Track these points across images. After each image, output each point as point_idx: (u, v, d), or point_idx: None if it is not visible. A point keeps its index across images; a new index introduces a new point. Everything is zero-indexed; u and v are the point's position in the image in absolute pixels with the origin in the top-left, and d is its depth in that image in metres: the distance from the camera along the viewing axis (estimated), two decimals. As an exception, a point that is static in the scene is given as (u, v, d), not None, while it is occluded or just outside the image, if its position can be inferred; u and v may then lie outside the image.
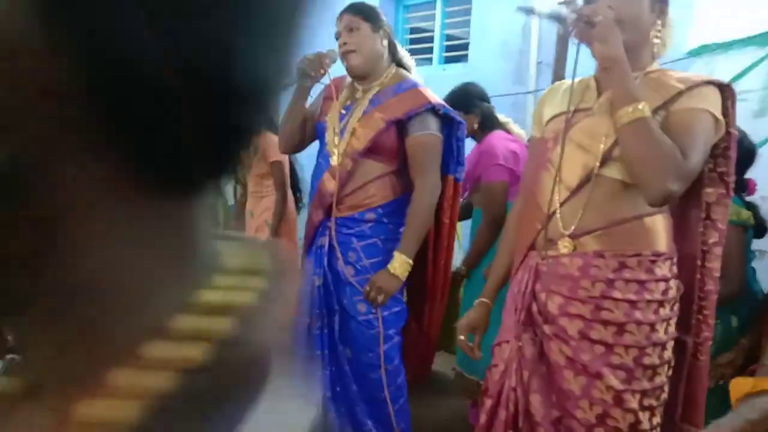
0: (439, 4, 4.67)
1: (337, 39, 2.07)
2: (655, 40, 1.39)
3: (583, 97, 1.44)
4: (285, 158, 3.50)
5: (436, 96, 2.09)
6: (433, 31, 4.75)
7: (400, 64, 2.14)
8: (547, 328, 1.38)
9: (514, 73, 4.26)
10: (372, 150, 2.01)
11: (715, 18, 3.20)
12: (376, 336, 2.03)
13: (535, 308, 1.41)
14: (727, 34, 3.16)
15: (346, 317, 2.04)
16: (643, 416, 1.31)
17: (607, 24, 1.27)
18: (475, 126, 2.60)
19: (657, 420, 1.35)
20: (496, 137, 2.56)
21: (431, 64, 4.84)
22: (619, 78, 1.28)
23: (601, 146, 1.34)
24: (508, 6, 4.27)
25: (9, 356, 1.20)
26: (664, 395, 1.36)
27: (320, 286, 2.06)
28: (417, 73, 2.17)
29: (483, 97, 2.69)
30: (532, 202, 1.47)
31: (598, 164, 1.34)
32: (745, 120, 3.09)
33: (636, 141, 1.26)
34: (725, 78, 3.14)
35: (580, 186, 1.37)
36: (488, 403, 1.47)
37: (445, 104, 2.08)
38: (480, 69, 3.89)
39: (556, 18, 1.37)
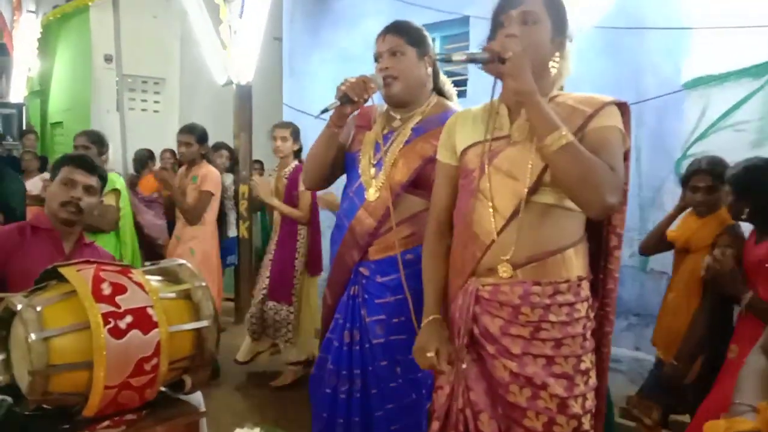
0: (438, 42, 4.75)
1: (376, 60, 1.88)
2: (552, 70, 1.48)
3: (495, 123, 1.50)
4: (218, 192, 3.75)
5: None
6: (432, 67, 4.81)
7: (440, 93, 1.97)
8: (490, 348, 1.45)
9: (512, 106, 4.29)
10: (415, 183, 1.83)
11: (710, 50, 3.24)
12: (416, 404, 1.82)
13: (476, 331, 1.48)
14: (721, 67, 3.20)
15: (377, 380, 1.83)
16: (585, 419, 1.41)
17: (517, 59, 1.34)
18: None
19: (592, 420, 1.44)
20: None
21: (431, 99, 4.90)
22: (535, 109, 1.35)
23: (528, 173, 1.40)
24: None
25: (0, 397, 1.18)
26: (593, 392, 1.46)
27: (350, 342, 1.87)
28: (457, 103, 2.00)
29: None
30: (468, 231, 1.51)
31: (526, 191, 1.41)
32: (743, 150, 3.12)
33: (569, 165, 1.32)
34: (721, 109, 3.19)
35: (515, 213, 1.43)
36: (436, 425, 1.53)
37: None
38: (479, 104, 3.93)
39: (473, 60, 1.41)
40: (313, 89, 5.54)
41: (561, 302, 1.42)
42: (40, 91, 9.29)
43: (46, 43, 8.71)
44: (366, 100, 1.84)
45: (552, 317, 1.41)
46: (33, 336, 1.33)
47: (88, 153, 3.43)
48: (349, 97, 1.80)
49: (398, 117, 1.90)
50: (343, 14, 5.56)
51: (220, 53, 5.08)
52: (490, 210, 1.45)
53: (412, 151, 1.82)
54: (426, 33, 1.92)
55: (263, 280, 3.79)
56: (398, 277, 1.82)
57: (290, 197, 3.68)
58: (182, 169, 3.96)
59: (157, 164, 5.55)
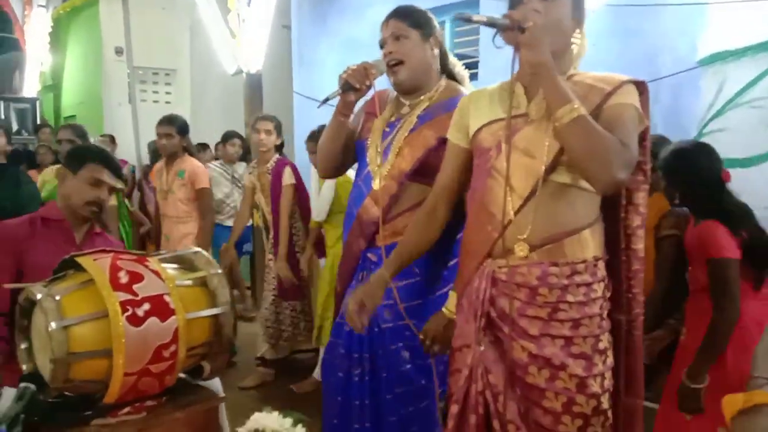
0: (447, 25, 4.71)
1: (381, 48, 1.86)
2: (574, 47, 1.47)
3: (512, 102, 1.48)
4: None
5: None
6: (442, 51, 4.78)
7: (450, 76, 1.93)
8: (508, 330, 1.45)
9: (524, 89, 4.25)
10: (419, 172, 1.80)
11: (726, 26, 3.18)
12: (426, 390, 1.81)
13: (493, 313, 1.48)
14: (738, 42, 3.14)
15: (388, 365, 1.83)
16: (603, 398, 1.41)
17: (536, 29, 1.33)
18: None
19: (610, 400, 1.44)
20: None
21: (442, 83, 4.86)
22: (549, 81, 1.34)
23: (546, 152, 1.40)
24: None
25: (22, 384, 1.21)
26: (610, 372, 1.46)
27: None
28: (469, 85, 1.96)
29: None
30: (484, 211, 1.49)
31: (544, 170, 1.40)
32: (760, 126, 3.07)
33: (579, 138, 1.32)
34: (738, 86, 3.13)
35: (532, 193, 1.42)
36: (455, 408, 1.52)
37: None
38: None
39: (492, 24, 1.39)
40: (322, 77, 5.52)
41: (578, 282, 1.41)
42: (53, 86, 9.37)
43: (57, 38, 8.76)
44: (369, 87, 1.83)
45: (570, 297, 1.41)
46: (53, 324, 1.35)
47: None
48: (351, 85, 1.80)
49: (407, 103, 1.88)
50: (350, 1, 5.52)
51: (230, 43, 5.08)
52: (507, 189, 1.44)
53: (417, 140, 1.81)
54: (430, 15, 1.89)
55: (270, 281, 3.74)
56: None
57: (276, 192, 3.64)
58: (160, 163, 3.79)
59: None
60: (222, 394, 1.73)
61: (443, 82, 1.89)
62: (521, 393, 1.43)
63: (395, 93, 1.93)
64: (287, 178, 3.65)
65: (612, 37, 3.39)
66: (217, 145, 5.73)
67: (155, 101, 8.15)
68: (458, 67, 1.96)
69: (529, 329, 1.42)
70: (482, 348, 1.48)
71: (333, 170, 2.05)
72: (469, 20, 1.37)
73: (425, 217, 1.67)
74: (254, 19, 4.82)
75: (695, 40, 3.30)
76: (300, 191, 3.72)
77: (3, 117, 8.42)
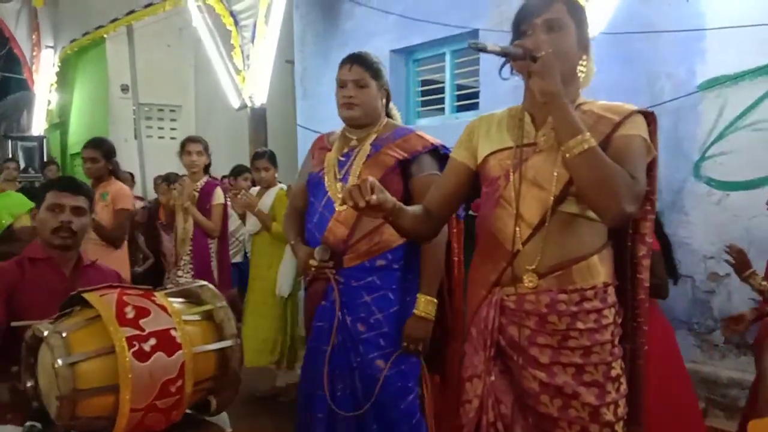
0: (448, 57, 4.78)
1: (338, 83, 2.11)
2: (580, 73, 1.47)
3: (520, 131, 1.49)
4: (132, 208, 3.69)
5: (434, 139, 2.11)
6: (443, 82, 4.85)
7: (389, 115, 2.21)
8: (518, 358, 1.43)
9: (526, 117, 4.29)
10: None
11: (724, 51, 3.22)
12: (400, 391, 1.98)
13: (503, 341, 1.46)
14: (736, 67, 3.17)
15: (365, 376, 1.99)
16: (618, 426, 1.39)
17: (549, 58, 1.33)
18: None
19: (624, 429, 1.42)
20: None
21: (444, 113, 4.92)
22: (561, 111, 1.34)
23: (554, 182, 1.39)
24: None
25: (28, 423, 1.21)
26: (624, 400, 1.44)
27: (336, 345, 2.01)
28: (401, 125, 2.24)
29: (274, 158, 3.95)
30: (492, 240, 1.49)
31: (552, 200, 1.40)
32: (762, 149, 3.08)
33: (589, 170, 1.32)
34: (738, 110, 3.16)
35: (542, 223, 1.41)
36: None
37: (446, 146, 2.04)
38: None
39: (505, 54, 1.41)
40: (325, 109, 5.58)
41: (588, 309, 1.40)
42: (60, 123, 9.49)
43: (65, 77, 8.91)
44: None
45: (580, 325, 1.39)
46: (59, 361, 1.34)
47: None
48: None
49: (354, 138, 2.11)
50: (352, 34, 5.61)
51: (234, 78, 5.15)
52: (515, 219, 1.43)
53: (375, 163, 2.03)
54: (383, 66, 2.15)
55: None
56: (372, 279, 2.00)
57: (203, 212, 3.80)
58: None
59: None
60: (229, 430, 1.71)
61: (384, 119, 2.15)
62: (534, 422, 1.41)
63: (339, 131, 2.17)
64: (218, 197, 3.86)
65: (612, 63, 3.43)
66: (224, 178, 5.78)
67: (161, 137, 8.24)
68: (394, 110, 2.26)
69: (540, 357, 1.41)
70: (493, 378, 1.46)
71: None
72: (483, 50, 1.38)
73: (424, 213, 1.59)
74: (258, 54, 4.91)
75: (694, 65, 3.34)
76: (225, 211, 3.94)
77: (11, 155, 8.53)
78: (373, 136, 2.10)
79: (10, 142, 9.07)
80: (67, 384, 1.34)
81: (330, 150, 2.15)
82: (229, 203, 4.22)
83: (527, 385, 1.42)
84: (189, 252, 3.83)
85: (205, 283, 1.70)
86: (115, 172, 3.70)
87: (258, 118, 5.10)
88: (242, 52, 5.03)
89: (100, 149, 3.60)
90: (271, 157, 3.96)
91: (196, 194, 3.81)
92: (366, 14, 5.21)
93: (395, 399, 1.97)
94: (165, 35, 7.97)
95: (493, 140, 1.54)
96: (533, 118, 1.49)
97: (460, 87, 4.88)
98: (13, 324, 1.56)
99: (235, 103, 5.23)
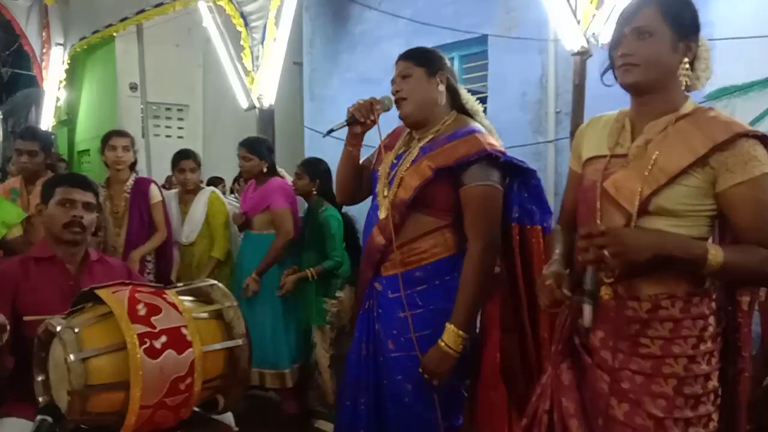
0: (456, 62, 4.79)
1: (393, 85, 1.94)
2: (682, 78, 1.37)
3: (618, 138, 1.44)
4: None
5: (497, 140, 1.88)
6: (451, 86, 4.85)
7: (463, 110, 1.95)
8: (589, 359, 1.43)
9: (533, 123, 4.31)
10: (421, 202, 1.81)
11: (733, 61, 3.22)
12: (427, 423, 1.79)
13: (577, 340, 1.46)
14: (745, 77, 3.18)
15: (392, 395, 1.83)
16: None
17: (614, 243, 1.25)
18: (264, 170, 3.43)
19: None
20: (280, 180, 3.49)
21: (451, 117, 4.92)
22: (671, 250, 1.27)
23: (636, 201, 1.33)
24: (524, 59, 4.38)
25: (39, 417, 1.23)
26: (714, 424, 1.36)
27: (366, 355, 1.90)
28: (483, 118, 1.98)
29: (272, 149, 3.61)
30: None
31: (635, 216, 1.34)
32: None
33: (735, 277, 1.32)
34: (746, 120, 3.15)
35: None
36: (524, 421, 1.55)
37: (506, 152, 1.83)
38: (500, 120, 3.94)
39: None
40: (333, 112, 5.60)
41: (663, 317, 1.34)
42: (68, 120, 9.53)
43: (73, 74, 8.95)
44: (373, 122, 1.89)
45: (651, 332, 1.34)
46: (71, 357, 1.36)
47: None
48: (356, 118, 1.88)
49: (416, 137, 1.92)
50: (361, 38, 5.64)
51: (243, 79, 5.17)
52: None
53: (416, 171, 1.82)
54: (440, 54, 1.94)
55: None
56: (410, 294, 1.82)
57: (138, 211, 3.29)
58: (17, 183, 3.18)
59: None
60: (235, 429, 1.72)
61: (452, 115, 1.91)
62: (603, 423, 1.39)
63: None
64: (155, 195, 3.37)
65: (619, 72, 3.44)
66: (235, 181, 5.81)
67: (168, 136, 8.27)
68: (471, 102, 1.98)
69: (609, 360, 1.38)
70: (560, 371, 1.47)
71: (346, 197, 2.14)
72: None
73: (563, 227, 1.61)
74: (267, 56, 4.93)
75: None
76: (165, 209, 3.44)
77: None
78: (430, 137, 1.88)
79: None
80: (79, 379, 1.36)
81: (391, 149, 1.96)
82: (227, 201, 4.02)
83: (599, 386, 1.40)
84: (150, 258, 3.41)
85: (215, 282, 1.71)
86: (52, 167, 3.33)
87: (266, 120, 5.11)
88: (251, 53, 5.04)
89: (39, 140, 3.09)
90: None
91: (126, 195, 3.29)
92: (375, 18, 5.24)
93: (420, 428, 1.81)
94: (174, 35, 8.01)
95: (593, 146, 1.49)
96: (633, 125, 1.42)
97: (468, 92, 4.89)
98: (26, 318, 1.58)
99: (244, 104, 5.24)
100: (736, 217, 1.30)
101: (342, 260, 3.36)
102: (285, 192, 3.42)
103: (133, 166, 3.39)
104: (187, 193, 3.62)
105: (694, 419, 1.32)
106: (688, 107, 1.38)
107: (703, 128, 1.32)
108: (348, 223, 3.51)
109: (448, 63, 1.97)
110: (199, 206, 3.55)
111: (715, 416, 1.36)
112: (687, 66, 1.36)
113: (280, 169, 3.69)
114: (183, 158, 3.58)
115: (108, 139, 3.31)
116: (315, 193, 3.43)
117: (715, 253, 1.25)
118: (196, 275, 3.40)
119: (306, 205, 3.52)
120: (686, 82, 1.37)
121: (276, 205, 3.33)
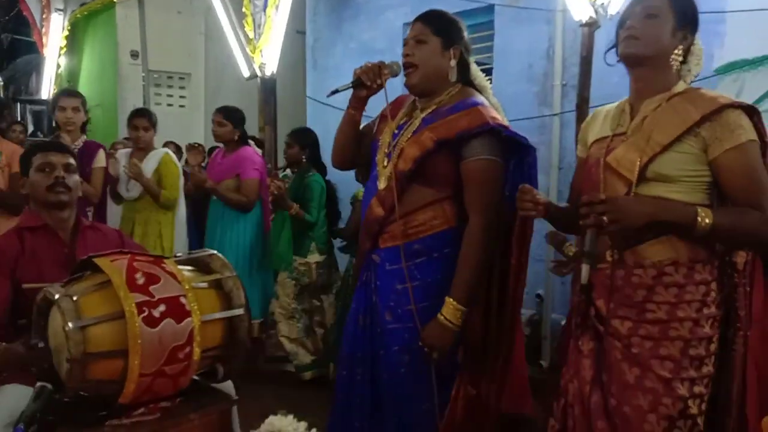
0: (461, 31, 4.71)
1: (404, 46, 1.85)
2: (674, 63, 1.50)
3: (619, 120, 1.57)
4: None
5: (502, 117, 1.82)
6: (456, 57, 4.78)
7: (470, 85, 1.89)
8: (602, 329, 1.52)
9: (539, 95, 4.25)
10: (421, 174, 1.78)
11: (744, 34, 3.16)
12: (421, 396, 1.79)
13: (592, 311, 1.55)
14: (755, 51, 3.12)
15: (389, 366, 1.83)
16: (693, 402, 1.41)
17: (612, 210, 1.37)
18: (236, 138, 3.60)
19: (705, 406, 1.44)
20: (251, 149, 3.69)
21: (455, 89, 4.86)
22: (663, 216, 1.38)
23: (636, 170, 1.44)
24: (531, 30, 4.31)
25: (39, 384, 1.23)
26: (709, 382, 1.45)
27: (363, 327, 1.89)
28: (491, 95, 1.93)
29: (245, 120, 3.69)
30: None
31: (632, 185, 1.46)
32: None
33: (726, 238, 1.41)
34: (756, 95, 3.11)
35: None
36: (561, 401, 1.60)
37: (510, 127, 1.79)
38: (505, 92, 3.90)
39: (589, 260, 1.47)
40: (336, 81, 5.53)
41: (668, 283, 1.44)
42: (69, 88, 9.45)
43: (74, 41, 8.85)
44: (380, 86, 1.85)
45: (657, 297, 1.44)
46: (70, 325, 1.36)
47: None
48: (362, 82, 1.84)
49: (420, 107, 1.87)
50: (365, 7, 5.54)
51: (245, 47, 5.10)
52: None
53: (417, 142, 1.78)
54: (460, 25, 1.86)
55: None
56: (409, 266, 1.80)
57: (82, 175, 3.13)
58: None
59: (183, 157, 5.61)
60: (235, 397, 1.73)
61: (456, 87, 1.85)
62: (617, 390, 1.47)
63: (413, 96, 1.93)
64: (100, 160, 3.39)
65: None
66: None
67: (169, 104, 8.19)
68: (480, 78, 1.93)
69: (620, 328, 1.48)
70: (580, 343, 1.56)
71: (341, 163, 2.08)
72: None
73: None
74: (270, 24, 4.85)
75: (712, 48, 3.28)
76: (108, 175, 3.49)
77: (20, 118, 8.52)
78: (433, 107, 1.82)
79: (18, 104, 9.05)
80: (78, 347, 1.36)
81: (390, 119, 1.89)
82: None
83: (613, 354, 1.48)
84: None
85: (214, 252, 1.70)
86: (2, 131, 3.30)
87: (268, 89, 5.05)
88: (254, 21, 4.96)
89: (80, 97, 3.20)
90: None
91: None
92: (380, -14, 5.14)
93: (415, 400, 1.81)
94: (176, 1, 7.89)
95: (598, 130, 1.64)
96: (632, 108, 1.56)
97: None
98: (25, 286, 1.57)
99: (245, 73, 5.17)
100: (727, 182, 1.41)
101: (316, 221, 3.58)
102: (255, 162, 3.59)
103: (83, 127, 3.43)
104: (139, 151, 3.65)
105: (698, 379, 1.42)
106: (679, 87, 1.51)
107: (693, 102, 1.45)
108: (330, 189, 3.69)
109: (466, 35, 1.89)
110: (149, 164, 3.57)
111: (712, 377, 1.46)
112: (680, 53, 1.50)
113: (250, 141, 3.84)
114: (138, 116, 3.64)
115: (57, 99, 3.37)
116: (305, 160, 3.65)
117: (705, 215, 1.35)
118: (141, 233, 3.50)
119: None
120: (676, 67, 1.51)
121: (246, 176, 3.53)
